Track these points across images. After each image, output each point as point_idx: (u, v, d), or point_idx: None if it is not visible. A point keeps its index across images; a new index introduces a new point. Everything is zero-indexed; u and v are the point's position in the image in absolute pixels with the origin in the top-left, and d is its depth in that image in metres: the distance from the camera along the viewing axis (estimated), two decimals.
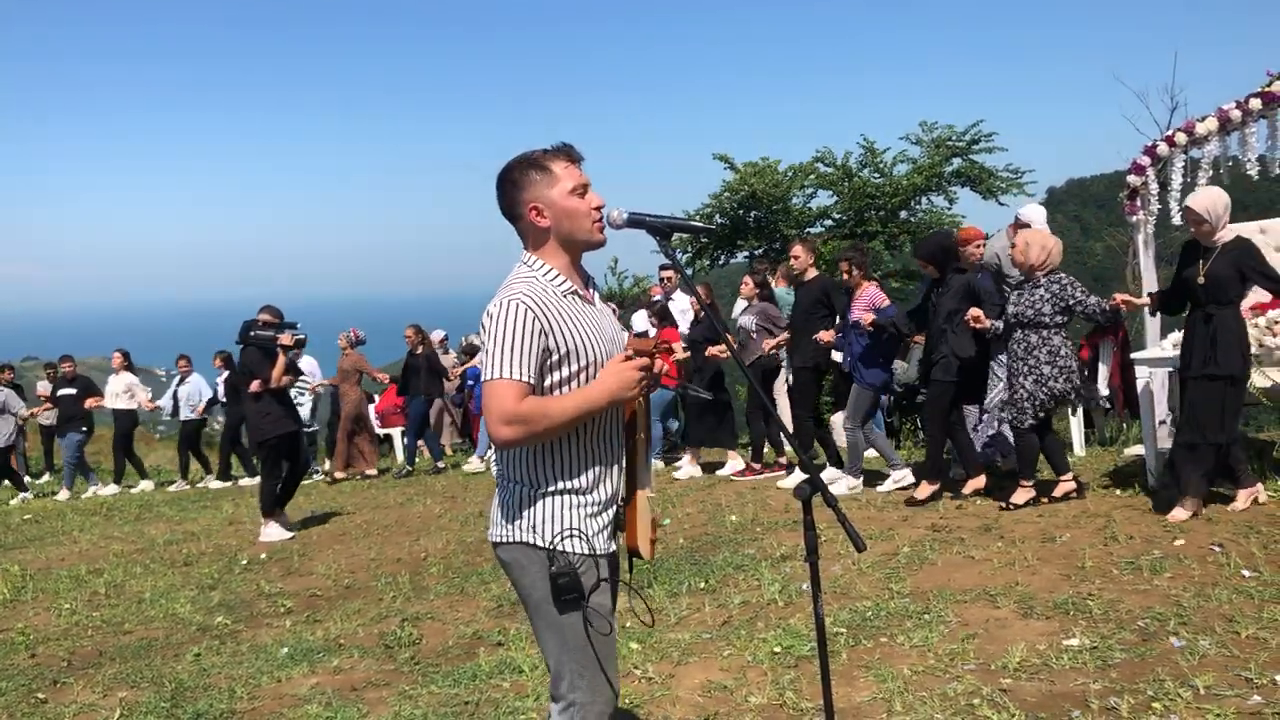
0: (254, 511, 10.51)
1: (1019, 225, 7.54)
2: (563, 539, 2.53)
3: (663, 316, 9.79)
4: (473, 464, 12.27)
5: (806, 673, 4.24)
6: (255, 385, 8.51)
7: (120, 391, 13.50)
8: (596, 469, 2.59)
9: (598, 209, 2.60)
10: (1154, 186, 7.51)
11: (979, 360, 7.03)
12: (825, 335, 7.94)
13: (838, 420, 10.23)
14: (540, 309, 2.48)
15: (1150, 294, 6.43)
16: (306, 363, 14.20)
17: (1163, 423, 7.34)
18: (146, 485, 13.74)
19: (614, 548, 2.68)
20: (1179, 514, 5.85)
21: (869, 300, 7.73)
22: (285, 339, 8.65)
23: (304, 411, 13.42)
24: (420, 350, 12.37)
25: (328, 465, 13.34)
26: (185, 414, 13.60)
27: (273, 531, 8.79)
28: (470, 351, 13.66)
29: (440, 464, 12.47)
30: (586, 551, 2.56)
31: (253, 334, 8.65)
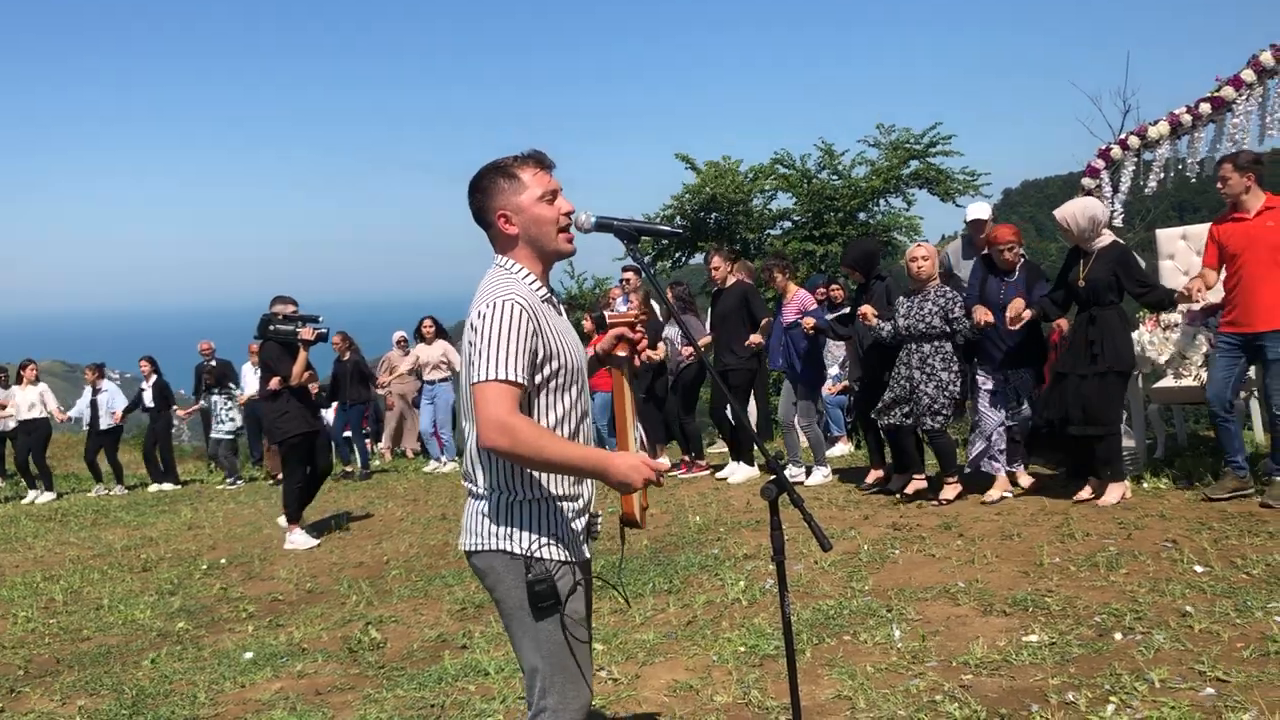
0: (213, 516, 10.44)
1: (976, 225, 7.63)
2: (539, 546, 2.54)
3: (599, 324, 9.89)
4: (433, 465, 12.28)
5: (771, 671, 4.28)
6: (275, 383, 8.01)
7: (35, 402, 13.45)
8: (573, 475, 2.61)
9: (567, 215, 2.62)
10: (1108, 189, 7.64)
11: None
12: (755, 339, 8.30)
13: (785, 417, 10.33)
14: (532, 310, 2.49)
15: (1032, 309, 6.46)
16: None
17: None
18: (47, 496, 13.58)
19: (589, 554, 2.70)
20: (1115, 494, 6.25)
21: (799, 303, 8.07)
22: (307, 333, 8.05)
23: (236, 419, 13.54)
24: (347, 357, 12.56)
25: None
26: (105, 423, 13.55)
27: (298, 539, 8.28)
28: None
29: (350, 469, 12.68)
30: (563, 558, 2.57)
31: (272, 328, 8.11)
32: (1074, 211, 6.24)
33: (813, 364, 8.02)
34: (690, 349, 8.95)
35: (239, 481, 13.26)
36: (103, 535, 10.01)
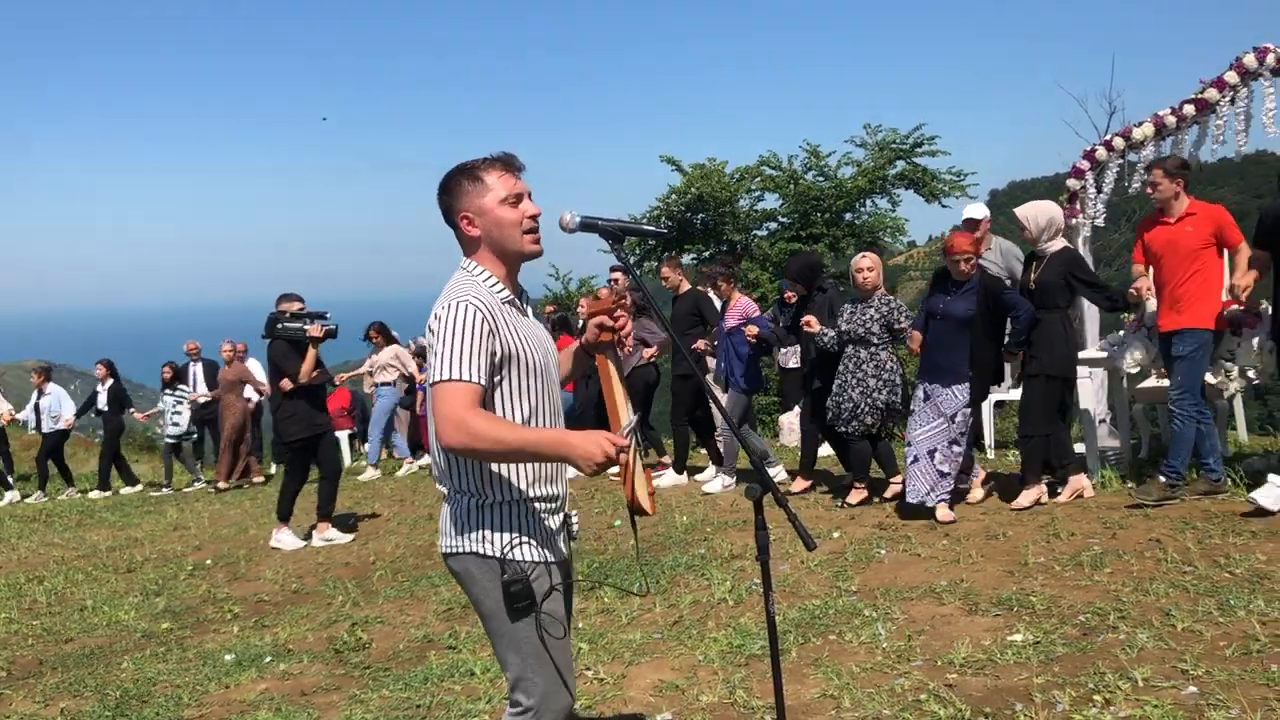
0: (199, 517, 10.40)
1: (970, 224, 7.69)
2: (513, 547, 2.53)
3: (562, 325, 9.96)
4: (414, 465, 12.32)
5: (757, 671, 4.28)
6: (285, 383, 7.82)
7: None
8: (544, 471, 2.60)
9: (533, 218, 2.61)
10: (1092, 190, 7.67)
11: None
12: (700, 344, 8.50)
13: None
14: (488, 310, 2.49)
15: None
16: (250, 365, 14.09)
17: (1102, 421, 7.50)
18: (11, 495, 13.59)
19: (567, 554, 2.70)
20: (1023, 500, 6.41)
21: (742, 310, 8.20)
22: (315, 330, 7.83)
23: (184, 419, 13.47)
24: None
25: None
26: (47, 426, 13.56)
27: (284, 539, 8.18)
28: (422, 354, 13.61)
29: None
30: (538, 559, 2.56)
31: (280, 326, 7.87)
32: (1034, 212, 6.42)
33: (749, 370, 8.15)
34: (650, 351, 9.14)
35: (200, 483, 13.35)
36: (87, 536, 9.97)
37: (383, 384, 12.16)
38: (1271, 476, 5.77)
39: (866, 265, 7.06)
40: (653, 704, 4.09)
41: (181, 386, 13.54)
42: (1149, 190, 6.26)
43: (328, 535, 8.18)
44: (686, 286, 8.97)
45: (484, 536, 2.54)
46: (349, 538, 8.14)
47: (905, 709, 3.74)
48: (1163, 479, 6.08)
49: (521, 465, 2.55)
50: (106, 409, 13.50)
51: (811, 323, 7.19)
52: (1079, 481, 6.50)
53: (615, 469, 2.52)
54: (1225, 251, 6.17)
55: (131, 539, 9.53)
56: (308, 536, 8.29)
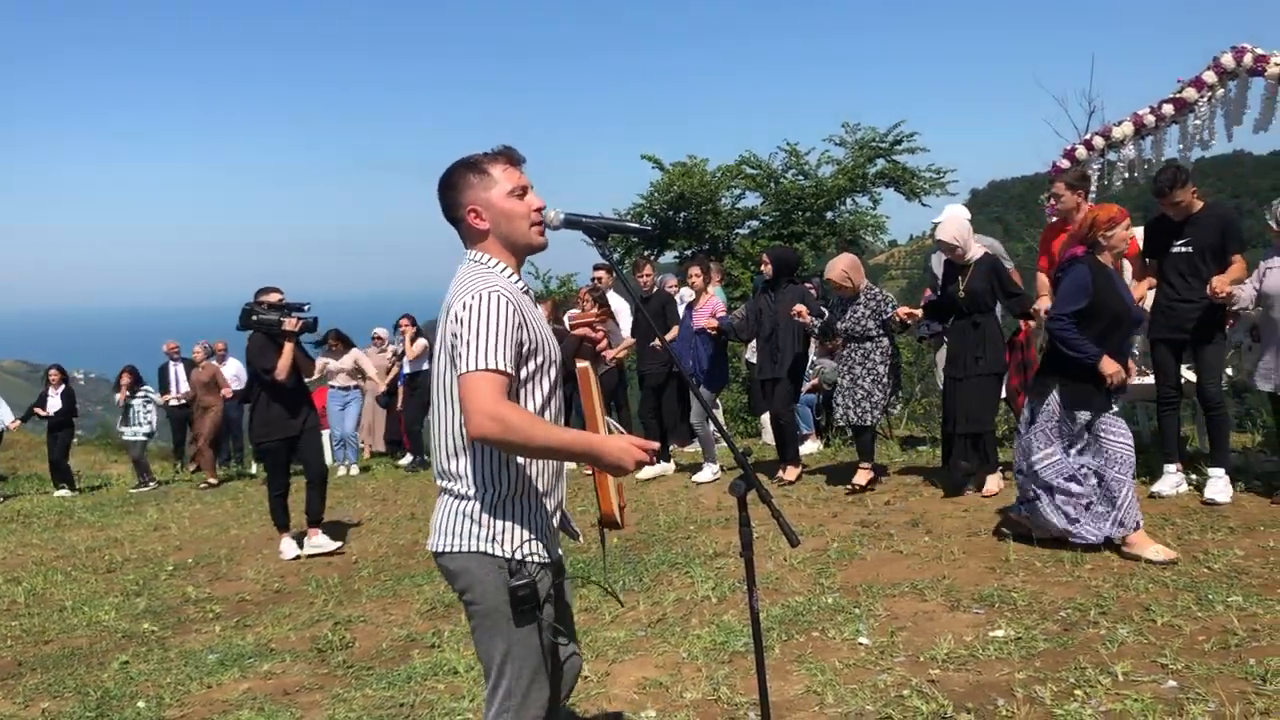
0: (179, 517, 10.35)
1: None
2: (523, 549, 2.51)
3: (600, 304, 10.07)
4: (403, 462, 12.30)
5: (740, 667, 4.29)
6: (280, 371, 7.22)
7: None
8: (551, 470, 2.61)
9: (538, 211, 2.62)
10: None
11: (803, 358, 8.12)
12: (656, 343, 8.69)
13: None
14: (516, 301, 2.49)
15: (922, 305, 7.24)
16: (232, 365, 14.02)
17: None
18: None
19: (560, 553, 2.70)
20: (991, 488, 6.70)
21: (711, 308, 8.42)
22: (291, 323, 7.29)
23: (152, 420, 13.54)
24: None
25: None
26: None
27: (284, 546, 7.72)
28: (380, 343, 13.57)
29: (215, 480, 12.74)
30: (543, 559, 2.55)
31: (255, 318, 7.33)
32: (955, 227, 6.65)
33: (715, 366, 8.36)
34: (612, 353, 9.19)
35: (151, 484, 13.32)
36: (66, 536, 9.90)
37: (341, 388, 12.24)
38: (1212, 470, 6.01)
39: (839, 274, 7.34)
40: (636, 701, 4.10)
41: (145, 387, 13.61)
42: (1051, 201, 6.57)
43: (316, 541, 7.70)
44: (656, 288, 9.35)
45: (494, 536, 2.50)
46: (337, 545, 7.72)
47: (888, 705, 3.76)
48: None
49: (530, 464, 2.54)
50: (53, 414, 13.63)
51: (803, 311, 7.48)
52: (998, 479, 6.79)
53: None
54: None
55: (111, 539, 9.46)
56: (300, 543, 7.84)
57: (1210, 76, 7.13)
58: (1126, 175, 7.61)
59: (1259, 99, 7.08)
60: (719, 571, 5.76)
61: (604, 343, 2.84)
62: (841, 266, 7.39)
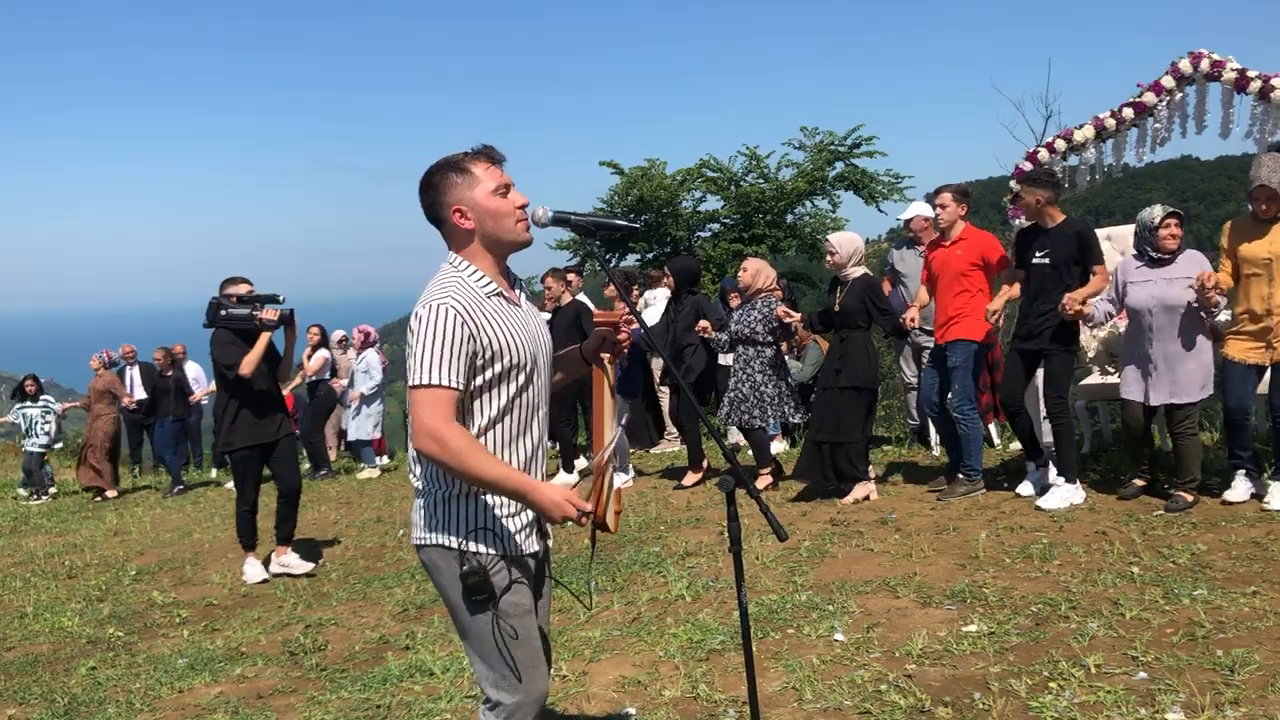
0: (140, 522, 10.22)
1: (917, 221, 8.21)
2: (473, 539, 2.55)
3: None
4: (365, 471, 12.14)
5: (718, 665, 4.32)
6: (246, 366, 6.55)
7: None
8: (518, 463, 2.61)
9: (521, 208, 2.62)
10: None
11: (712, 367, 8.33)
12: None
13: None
14: (467, 312, 2.48)
15: (815, 313, 7.52)
16: (192, 368, 13.82)
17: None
18: None
19: (538, 548, 2.68)
20: (859, 493, 6.94)
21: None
22: (268, 314, 6.64)
23: (50, 431, 13.35)
24: (170, 373, 12.67)
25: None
26: None
27: (247, 569, 7.02)
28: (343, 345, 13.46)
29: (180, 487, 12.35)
30: (499, 552, 2.57)
31: (224, 313, 6.63)
32: (844, 241, 7.10)
33: (628, 375, 8.51)
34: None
35: (47, 496, 13.19)
36: (23, 543, 9.74)
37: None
38: (1054, 478, 6.38)
39: (745, 272, 7.67)
40: (616, 700, 4.11)
41: (45, 397, 13.48)
42: (937, 212, 6.80)
43: (284, 561, 7.06)
44: (569, 298, 9.08)
45: (446, 528, 2.56)
46: (309, 566, 7.06)
47: (866, 699, 3.80)
48: (962, 476, 6.77)
49: (494, 458, 2.53)
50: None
51: (707, 327, 7.68)
52: (866, 487, 7.00)
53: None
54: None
55: (70, 545, 9.32)
56: (268, 563, 7.13)
57: (1169, 81, 7.27)
58: (1089, 178, 7.74)
59: (1217, 103, 7.23)
60: (692, 571, 5.78)
61: (626, 345, 2.86)
62: (749, 265, 7.73)
